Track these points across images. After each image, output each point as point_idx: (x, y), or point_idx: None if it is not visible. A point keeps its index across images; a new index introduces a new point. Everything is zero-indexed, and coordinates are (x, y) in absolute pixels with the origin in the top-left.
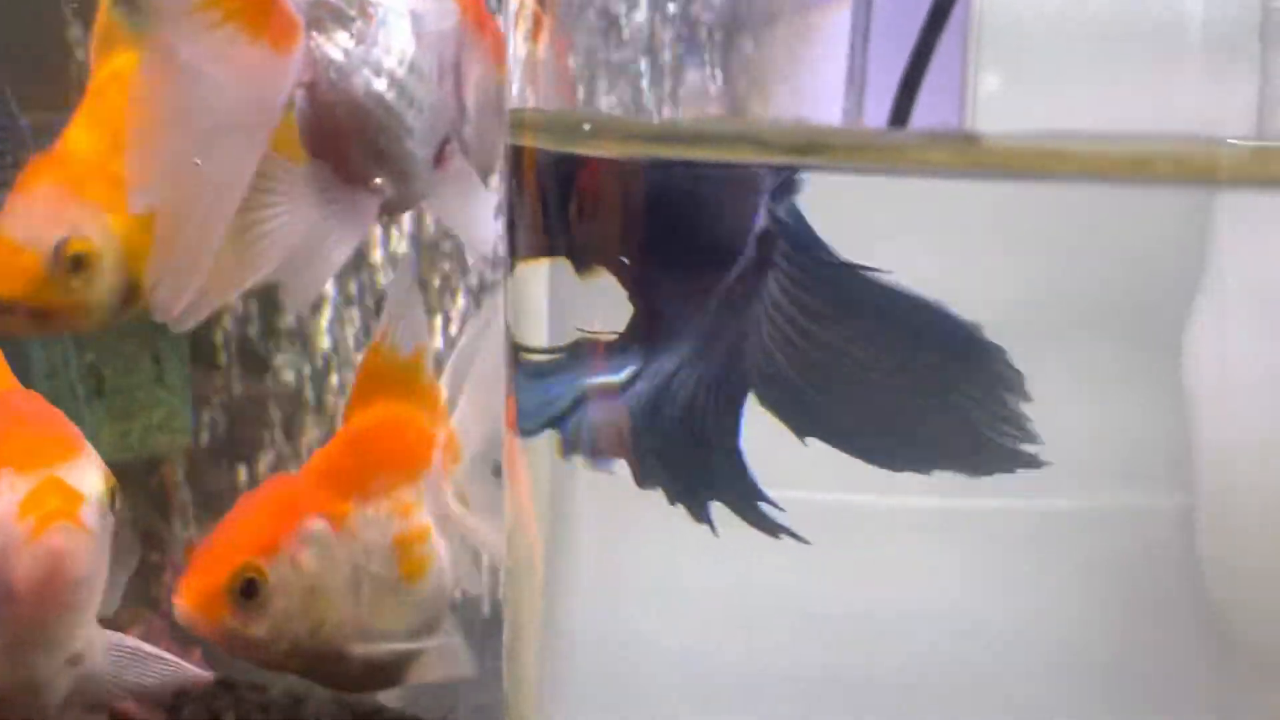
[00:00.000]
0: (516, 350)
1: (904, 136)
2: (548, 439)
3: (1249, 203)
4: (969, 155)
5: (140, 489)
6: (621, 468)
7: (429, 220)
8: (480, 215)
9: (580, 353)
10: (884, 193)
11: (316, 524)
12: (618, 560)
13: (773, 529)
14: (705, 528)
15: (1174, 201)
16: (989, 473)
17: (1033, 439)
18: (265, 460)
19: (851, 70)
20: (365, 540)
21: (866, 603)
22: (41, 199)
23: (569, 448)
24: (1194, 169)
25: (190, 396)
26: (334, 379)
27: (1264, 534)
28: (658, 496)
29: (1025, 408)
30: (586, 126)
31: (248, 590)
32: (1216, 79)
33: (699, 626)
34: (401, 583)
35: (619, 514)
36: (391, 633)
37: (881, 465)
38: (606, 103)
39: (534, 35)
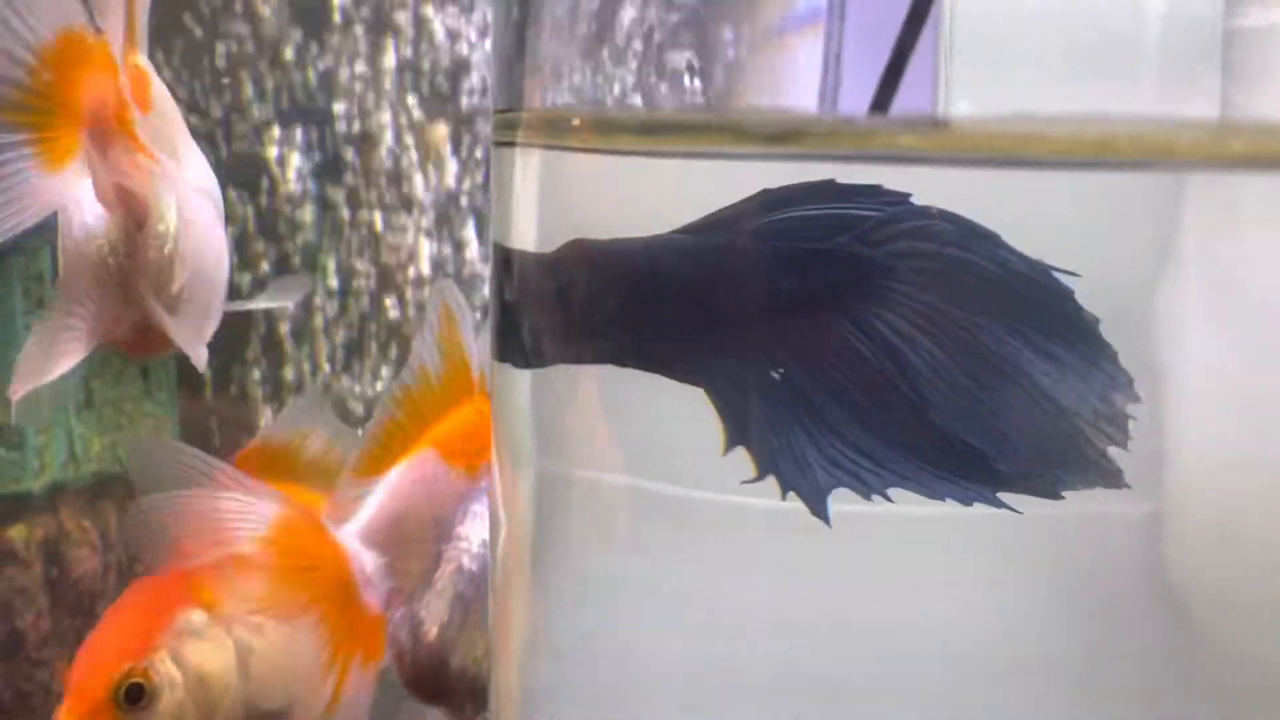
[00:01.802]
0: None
1: (875, 122)
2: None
3: (1213, 186)
4: (937, 140)
5: (127, 501)
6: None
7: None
8: None
9: None
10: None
11: (194, 614)
12: (604, 566)
13: None
14: (687, 534)
15: (1140, 185)
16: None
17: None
18: None
19: (826, 61)
20: (244, 620)
21: (846, 609)
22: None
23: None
24: (1158, 150)
25: (177, 411)
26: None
27: (1227, 529)
28: (642, 503)
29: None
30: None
31: (133, 695)
32: (1177, 98)
33: (684, 632)
34: None
35: (604, 520)
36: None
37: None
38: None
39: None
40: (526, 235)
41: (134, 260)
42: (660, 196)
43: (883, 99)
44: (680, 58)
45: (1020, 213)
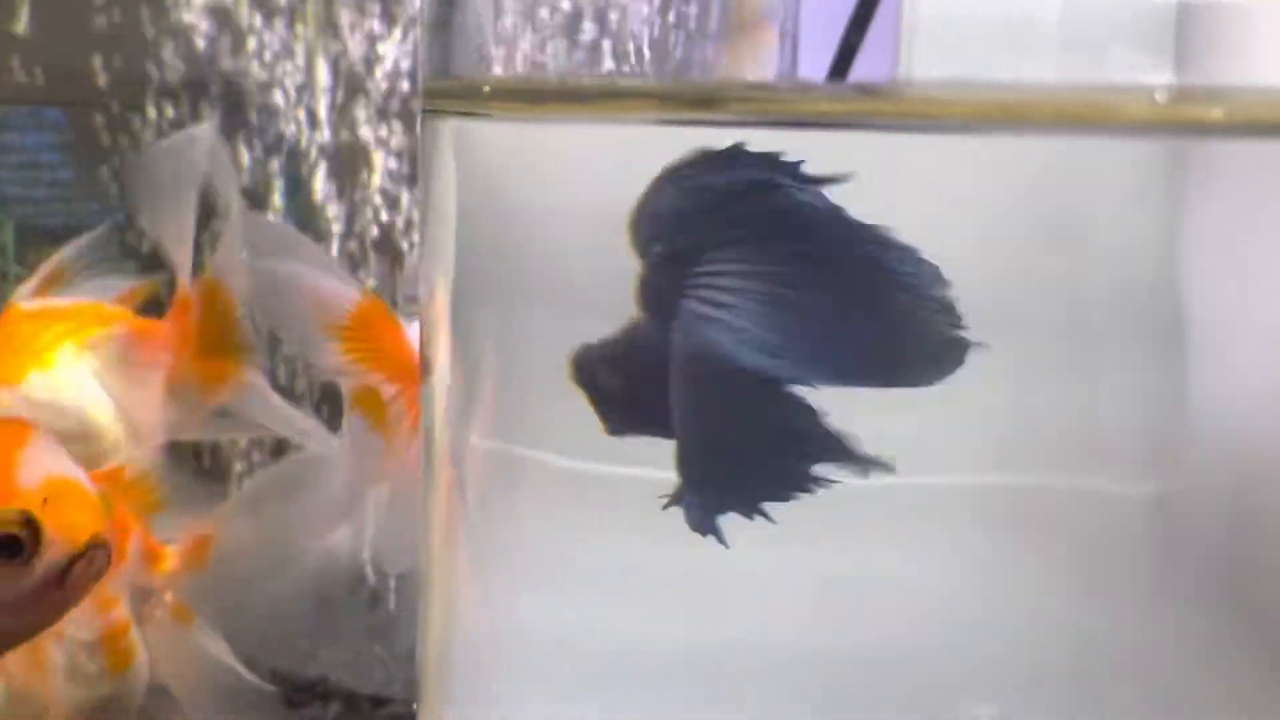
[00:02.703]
0: None
1: (828, 89)
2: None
3: (1165, 150)
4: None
5: None
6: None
7: None
8: None
9: None
10: (815, 148)
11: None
12: (516, 541)
13: None
14: (601, 507)
15: (1092, 151)
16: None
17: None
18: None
19: (783, 27)
20: (73, 637)
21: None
22: None
23: None
24: (1108, 115)
25: None
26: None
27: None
28: (556, 478)
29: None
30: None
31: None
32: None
33: (602, 605)
34: (108, 677)
35: (516, 496)
36: None
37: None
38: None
39: None
40: (446, 207)
41: None
42: (583, 163)
43: (839, 68)
44: (608, 26)
45: (970, 177)
